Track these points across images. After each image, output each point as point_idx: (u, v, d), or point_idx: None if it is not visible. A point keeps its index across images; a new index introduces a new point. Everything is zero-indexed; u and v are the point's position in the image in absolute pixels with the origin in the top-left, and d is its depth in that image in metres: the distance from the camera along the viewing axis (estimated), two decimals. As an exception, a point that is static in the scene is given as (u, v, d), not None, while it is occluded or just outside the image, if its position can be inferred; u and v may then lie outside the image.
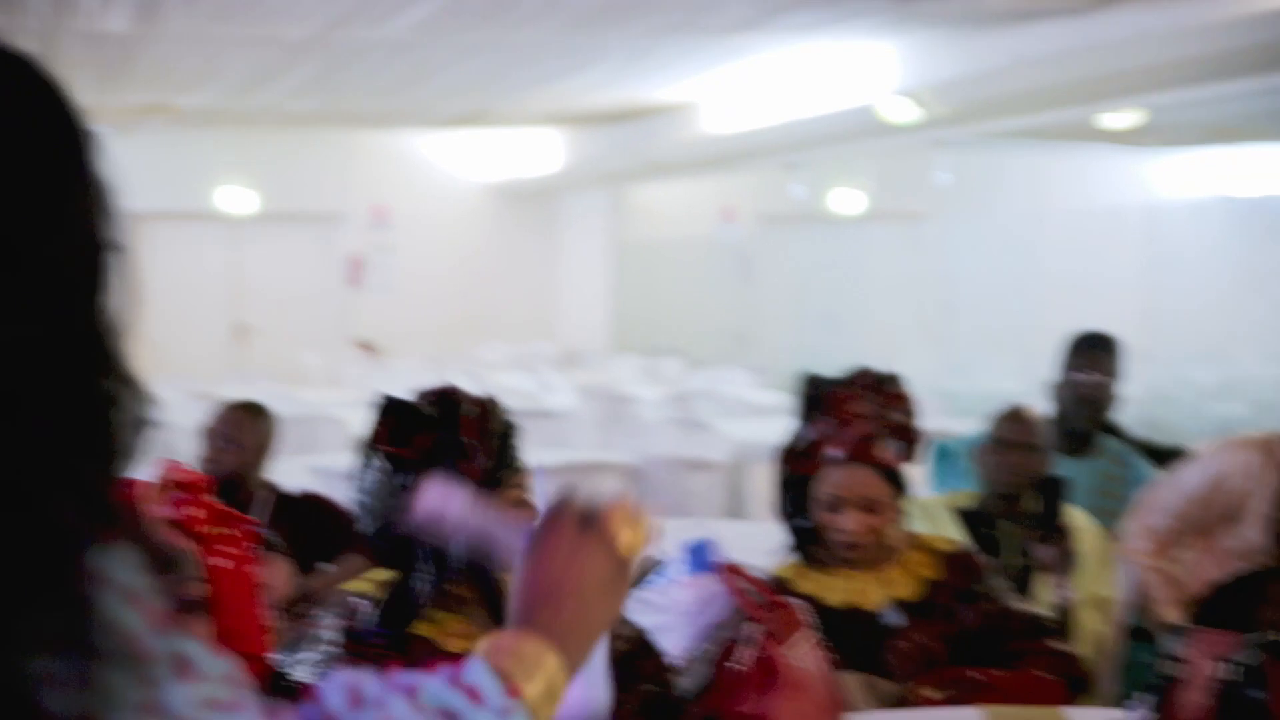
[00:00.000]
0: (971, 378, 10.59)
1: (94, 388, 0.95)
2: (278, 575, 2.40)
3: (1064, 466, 4.29)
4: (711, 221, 14.74)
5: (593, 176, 14.20)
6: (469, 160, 15.24)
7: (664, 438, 8.05)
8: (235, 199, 14.64)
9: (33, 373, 0.91)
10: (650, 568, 2.74)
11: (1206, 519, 4.00)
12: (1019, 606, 3.06)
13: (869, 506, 3.02)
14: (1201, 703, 2.33)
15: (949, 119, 9.19)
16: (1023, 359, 9.85)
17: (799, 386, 3.21)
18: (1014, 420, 3.92)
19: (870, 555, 3.06)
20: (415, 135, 14.88)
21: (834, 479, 3.03)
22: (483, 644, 1.19)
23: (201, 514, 2.08)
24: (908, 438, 3.12)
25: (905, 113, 8.93)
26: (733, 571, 2.77)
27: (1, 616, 0.88)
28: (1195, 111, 8.79)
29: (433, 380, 2.52)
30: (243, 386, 10.08)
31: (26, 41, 0.97)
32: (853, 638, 3.01)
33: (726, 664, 2.60)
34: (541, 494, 1.43)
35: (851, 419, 3.05)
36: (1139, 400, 8.21)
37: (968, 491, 3.98)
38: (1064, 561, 3.31)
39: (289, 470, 5.82)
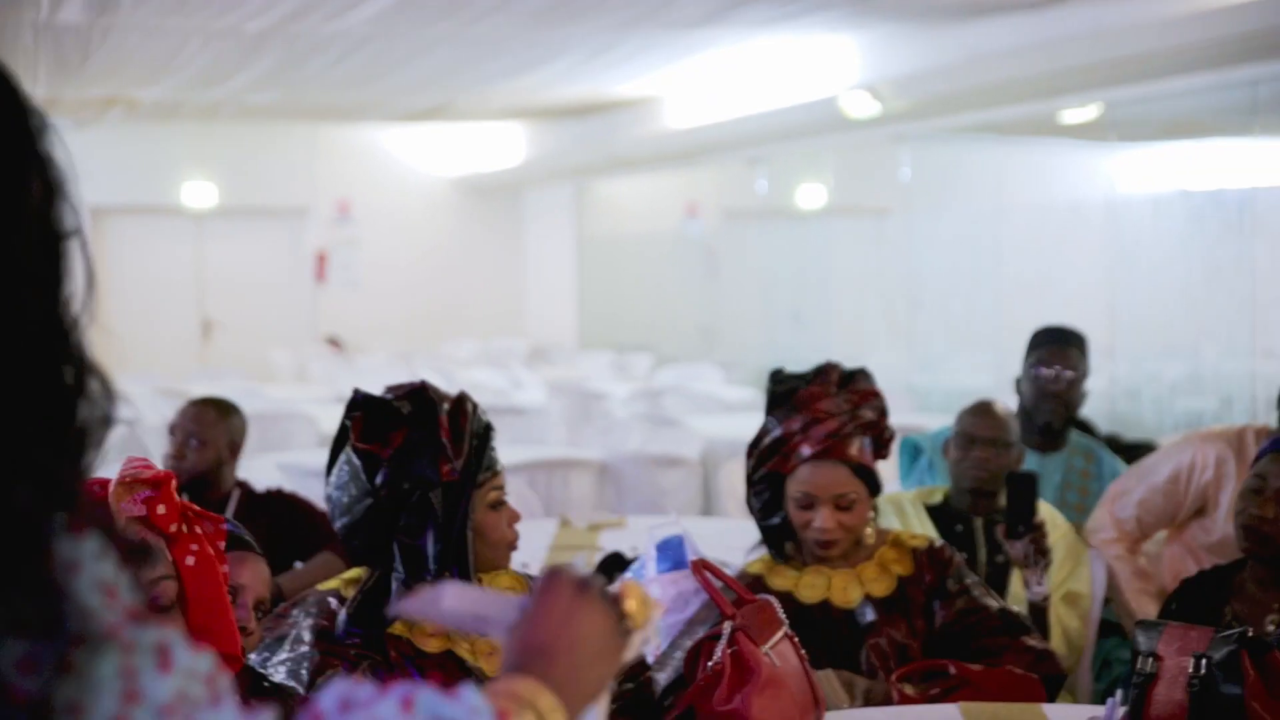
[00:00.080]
0: (939, 373, 10.62)
1: (56, 378, 0.95)
2: (255, 575, 2.38)
3: (1031, 461, 4.30)
4: (676, 217, 14.73)
5: (556, 171, 14.17)
6: (432, 154, 15.19)
7: (634, 434, 8.04)
8: (200, 193, 14.54)
9: None
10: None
11: (1175, 512, 4.03)
12: (993, 602, 3.07)
13: (842, 503, 3.02)
14: (1176, 699, 2.34)
15: (909, 113, 9.20)
16: (990, 354, 9.88)
17: (768, 383, 3.21)
18: (982, 415, 3.91)
19: (844, 552, 3.07)
20: (378, 129, 14.81)
21: (806, 476, 3.03)
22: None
23: (170, 512, 2.06)
24: (879, 434, 3.13)
25: (865, 107, 8.94)
26: (705, 568, 2.77)
27: None
28: (1154, 106, 8.83)
29: (402, 376, 2.50)
30: (210, 383, 10.03)
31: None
32: (827, 634, 3.01)
33: (702, 661, 2.60)
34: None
35: (823, 416, 3.05)
36: (1105, 395, 8.25)
37: (938, 487, 3.99)
38: (1037, 557, 3.32)
39: (258, 467, 5.80)
